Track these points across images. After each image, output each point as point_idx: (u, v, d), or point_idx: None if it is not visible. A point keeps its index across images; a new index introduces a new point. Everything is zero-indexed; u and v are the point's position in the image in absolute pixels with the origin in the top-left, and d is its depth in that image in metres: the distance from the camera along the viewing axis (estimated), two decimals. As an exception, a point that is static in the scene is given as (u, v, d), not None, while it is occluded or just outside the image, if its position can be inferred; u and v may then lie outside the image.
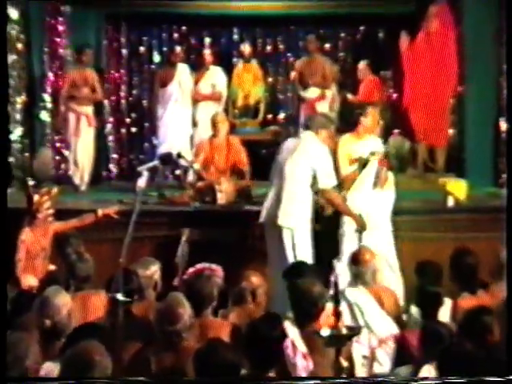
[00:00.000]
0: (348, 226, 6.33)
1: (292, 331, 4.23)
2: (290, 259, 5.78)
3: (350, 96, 9.64)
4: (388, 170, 6.50)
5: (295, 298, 4.42)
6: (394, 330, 4.92)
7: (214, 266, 4.95)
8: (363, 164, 6.36)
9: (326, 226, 6.60)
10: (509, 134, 6.81)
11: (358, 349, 4.76)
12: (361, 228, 6.12)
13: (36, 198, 6.17)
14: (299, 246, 5.87)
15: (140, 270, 4.98)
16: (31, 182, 7.23)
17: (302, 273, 4.83)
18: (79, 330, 4.06)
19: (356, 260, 5.28)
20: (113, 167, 10.38)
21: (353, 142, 6.51)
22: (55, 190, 6.43)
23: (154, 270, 5.14)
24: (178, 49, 9.36)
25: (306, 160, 5.94)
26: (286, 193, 5.95)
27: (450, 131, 9.06)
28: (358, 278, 5.19)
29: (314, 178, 5.91)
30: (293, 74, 9.61)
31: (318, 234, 6.25)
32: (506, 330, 3.84)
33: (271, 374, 3.68)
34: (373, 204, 6.35)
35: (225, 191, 7.36)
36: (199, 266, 5.05)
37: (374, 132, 6.63)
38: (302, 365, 4.13)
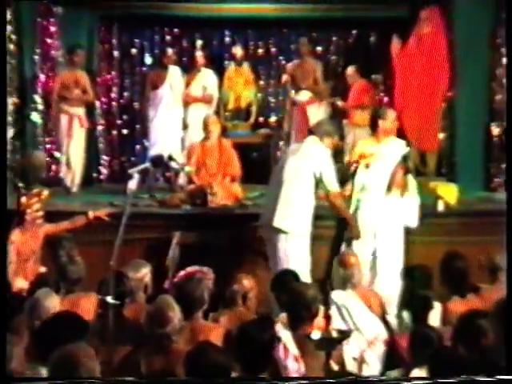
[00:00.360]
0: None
1: (284, 334, 4.24)
2: (285, 263, 5.79)
3: (339, 102, 9.58)
4: (406, 173, 6.33)
5: (289, 301, 4.42)
6: (383, 331, 4.93)
7: (204, 269, 4.94)
8: (354, 168, 6.32)
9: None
10: (508, 136, 6.82)
11: (348, 351, 4.78)
12: (355, 237, 6.11)
13: (23, 199, 6.15)
14: (294, 249, 5.88)
15: (131, 272, 4.98)
16: (21, 184, 7.18)
17: (287, 283, 4.84)
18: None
19: (342, 263, 5.31)
20: (104, 169, 10.35)
21: (372, 145, 6.46)
22: (45, 192, 6.42)
23: (145, 272, 5.13)
24: (170, 51, 9.34)
25: (309, 163, 5.99)
26: (284, 196, 5.98)
27: (441, 135, 9.08)
28: (344, 281, 5.20)
29: (317, 181, 5.96)
30: (284, 77, 9.60)
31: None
32: (504, 333, 3.84)
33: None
34: (384, 211, 6.22)
35: (215, 194, 7.36)
36: (190, 268, 5.04)
37: (393, 134, 6.56)
38: (294, 367, 4.13)
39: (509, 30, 6.09)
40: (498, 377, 3.10)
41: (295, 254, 5.83)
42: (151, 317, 4.12)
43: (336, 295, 5.10)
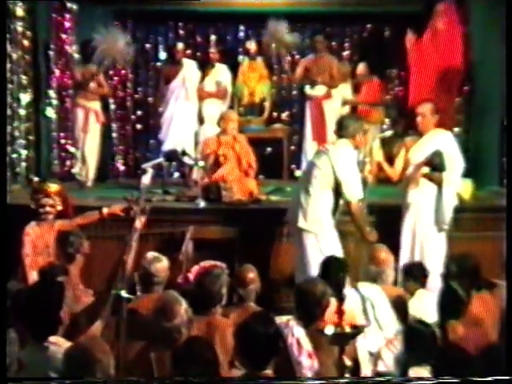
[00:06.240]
0: (409, 218, 6.40)
1: (298, 330, 4.22)
2: (309, 261, 5.82)
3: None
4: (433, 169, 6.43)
5: (298, 299, 4.41)
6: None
7: (219, 264, 4.93)
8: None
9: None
10: (508, 132, 6.78)
11: (365, 345, 4.73)
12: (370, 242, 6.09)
13: (38, 193, 6.15)
14: (324, 248, 5.87)
15: (153, 265, 4.89)
16: (36, 179, 7.23)
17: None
18: None
19: (373, 260, 5.24)
20: (118, 164, 10.37)
21: (420, 145, 6.52)
22: (60, 186, 6.43)
23: (167, 265, 5.04)
24: (181, 45, 9.37)
25: (331, 169, 5.94)
26: (308, 196, 5.99)
27: (456, 130, 9.03)
28: (375, 278, 5.15)
29: (338, 187, 5.94)
30: (298, 72, 9.54)
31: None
32: (506, 330, 3.83)
33: (268, 372, 3.59)
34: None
35: (230, 189, 7.35)
36: (204, 263, 5.04)
37: (430, 129, 6.58)
38: (307, 364, 4.11)
39: (509, 30, 6.04)
40: (499, 377, 3.09)
41: (326, 251, 5.79)
42: (158, 311, 4.11)
43: (363, 287, 5.02)
